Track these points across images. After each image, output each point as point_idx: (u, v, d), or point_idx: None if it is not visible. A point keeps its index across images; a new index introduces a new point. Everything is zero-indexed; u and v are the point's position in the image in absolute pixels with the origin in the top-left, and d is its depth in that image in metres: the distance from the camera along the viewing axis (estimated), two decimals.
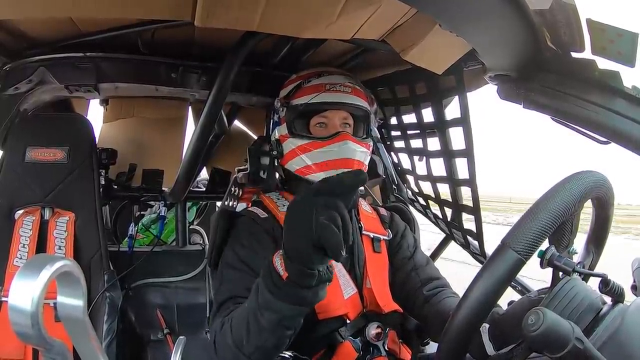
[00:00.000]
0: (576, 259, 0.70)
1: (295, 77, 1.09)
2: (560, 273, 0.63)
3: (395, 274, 1.06)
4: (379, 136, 1.46)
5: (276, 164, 1.09)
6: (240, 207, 1.12)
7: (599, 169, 0.61)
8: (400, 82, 1.28)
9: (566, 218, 0.55)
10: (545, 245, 0.58)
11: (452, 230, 1.32)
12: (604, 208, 0.65)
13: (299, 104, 1.02)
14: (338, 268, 0.96)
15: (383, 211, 1.18)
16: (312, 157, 1.00)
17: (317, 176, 1.00)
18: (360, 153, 1.02)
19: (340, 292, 0.94)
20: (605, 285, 0.56)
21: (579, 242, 0.70)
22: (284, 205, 1.03)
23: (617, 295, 0.56)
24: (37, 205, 1.26)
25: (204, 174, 2.05)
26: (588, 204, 0.64)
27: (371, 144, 1.07)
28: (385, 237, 1.09)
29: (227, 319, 0.80)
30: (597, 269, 0.69)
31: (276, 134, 1.07)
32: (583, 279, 0.62)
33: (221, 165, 1.74)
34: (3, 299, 1.15)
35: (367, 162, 1.06)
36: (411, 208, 1.49)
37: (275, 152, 1.06)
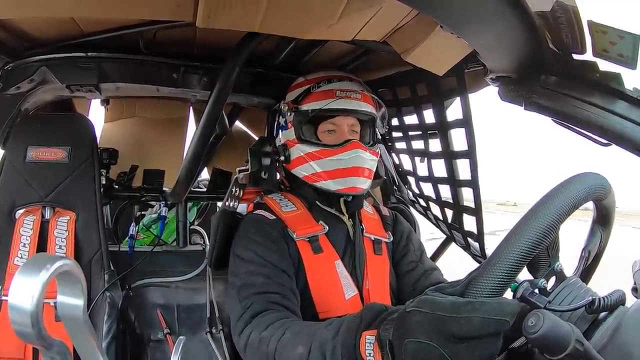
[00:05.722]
0: (571, 269, 0.68)
1: (304, 80, 1.08)
2: (562, 274, 0.63)
3: (404, 277, 1.06)
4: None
5: (278, 165, 1.08)
6: (241, 207, 1.12)
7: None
8: (402, 84, 1.28)
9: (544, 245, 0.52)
10: (525, 273, 0.56)
11: (453, 232, 1.31)
12: (601, 202, 0.64)
13: (308, 110, 1.02)
14: (340, 269, 0.97)
15: (386, 211, 1.17)
16: (322, 165, 1.00)
17: (326, 184, 1.00)
18: (369, 161, 1.02)
19: (342, 293, 0.94)
20: (591, 306, 0.53)
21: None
22: (286, 206, 1.03)
23: (612, 308, 0.54)
24: (37, 204, 1.26)
25: (204, 174, 2.05)
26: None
27: (379, 151, 1.07)
28: (386, 240, 1.08)
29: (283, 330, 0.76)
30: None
31: (282, 138, 1.06)
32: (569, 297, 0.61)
33: (222, 165, 1.74)
34: (3, 298, 1.15)
35: (374, 170, 1.06)
36: (412, 209, 1.50)
37: (282, 157, 1.06)
